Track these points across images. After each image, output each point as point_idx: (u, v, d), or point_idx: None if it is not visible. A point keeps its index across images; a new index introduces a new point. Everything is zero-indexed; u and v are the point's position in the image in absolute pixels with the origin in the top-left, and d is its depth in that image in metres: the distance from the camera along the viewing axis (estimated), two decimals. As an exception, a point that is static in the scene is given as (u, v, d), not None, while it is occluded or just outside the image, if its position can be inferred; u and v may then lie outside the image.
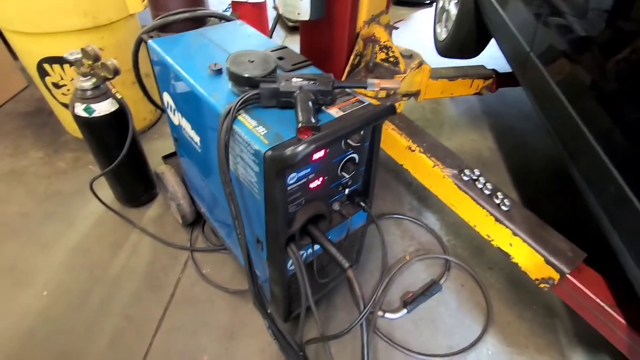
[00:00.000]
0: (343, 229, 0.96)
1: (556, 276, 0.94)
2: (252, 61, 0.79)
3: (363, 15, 1.29)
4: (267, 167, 0.68)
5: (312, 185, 0.78)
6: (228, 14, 1.16)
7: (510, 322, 1.22)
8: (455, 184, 1.13)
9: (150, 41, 1.00)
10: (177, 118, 1.05)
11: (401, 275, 1.33)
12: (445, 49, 2.25)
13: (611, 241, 0.84)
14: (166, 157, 1.46)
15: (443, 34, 2.29)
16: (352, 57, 1.33)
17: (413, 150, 1.26)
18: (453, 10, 2.12)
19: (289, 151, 0.65)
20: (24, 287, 1.23)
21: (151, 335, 1.13)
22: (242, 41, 1.02)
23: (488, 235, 1.10)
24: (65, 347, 1.09)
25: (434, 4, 2.86)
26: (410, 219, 1.53)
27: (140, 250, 1.36)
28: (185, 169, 1.27)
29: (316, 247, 0.90)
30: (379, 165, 0.91)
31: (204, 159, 1.00)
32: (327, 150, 0.75)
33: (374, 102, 0.89)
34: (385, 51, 1.41)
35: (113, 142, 1.25)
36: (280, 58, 0.92)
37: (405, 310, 1.20)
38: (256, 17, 1.72)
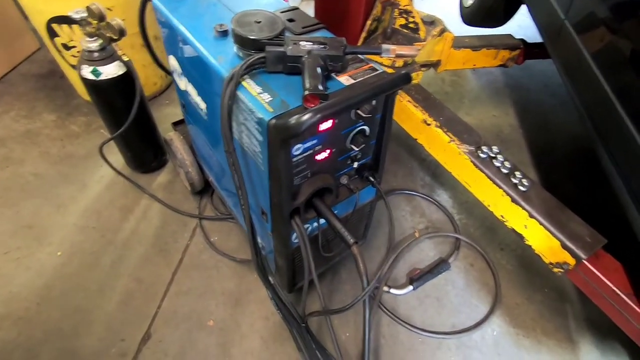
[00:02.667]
0: (350, 203, 0.93)
1: (572, 261, 0.90)
2: (259, 22, 0.74)
3: (383, -25, 1.20)
4: (271, 136, 0.65)
5: (318, 157, 0.75)
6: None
7: (519, 304, 1.20)
8: (472, 161, 1.08)
9: (155, -1, 0.95)
10: (183, 83, 1.02)
11: (409, 252, 1.31)
12: (471, 16, 2.10)
13: (636, 228, 0.79)
14: (176, 124, 1.43)
15: None
16: (368, 22, 1.25)
17: (429, 124, 1.20)
18: (482, -27, 1.96)
19: (293, 120, 0.61)
20: (41, 245, 1.27)
21: (160, 297, 1.16)
22: (251, 1, 0.96)
23: (502, 216, 1.06)
24: (79, 303, 1.14)
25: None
26: (422, 195, 1.49)
27: (150, 215, 1.38)
28: (193, 136, 1.25)
29: (322, 221, 0.88)
30: (392, 139, 0.87)
31: (210, 126, 0.97)
32: (335, 121, 0.71)
33: (390, 71, 0.84)
34: (405, 16, 1.32)
35: (121, 107, 1.23)
36: (291, 20, 0.86)
37: (411, 287, 1.19)
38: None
